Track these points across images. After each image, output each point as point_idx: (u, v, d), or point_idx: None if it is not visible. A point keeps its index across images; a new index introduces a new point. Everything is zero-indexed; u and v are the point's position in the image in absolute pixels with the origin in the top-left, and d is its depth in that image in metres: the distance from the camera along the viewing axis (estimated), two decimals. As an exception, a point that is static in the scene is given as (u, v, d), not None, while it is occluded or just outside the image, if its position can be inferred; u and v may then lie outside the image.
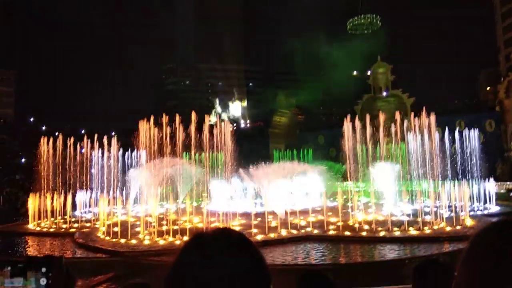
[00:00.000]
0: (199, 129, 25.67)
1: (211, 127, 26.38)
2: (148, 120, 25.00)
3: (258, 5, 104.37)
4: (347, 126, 25.57)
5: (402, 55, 77.76)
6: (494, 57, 74.14)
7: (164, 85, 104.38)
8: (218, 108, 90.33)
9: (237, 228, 15.89)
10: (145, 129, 24.97)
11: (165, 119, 24.73)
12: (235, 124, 64.46)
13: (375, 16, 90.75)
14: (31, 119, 73.92)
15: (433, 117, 24.59)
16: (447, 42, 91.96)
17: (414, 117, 26.09)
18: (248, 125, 79.84)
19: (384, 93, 48.86)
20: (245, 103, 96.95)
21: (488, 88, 63.55)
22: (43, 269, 1.49)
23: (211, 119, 32.74)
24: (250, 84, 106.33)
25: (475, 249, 1.23)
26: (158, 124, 25.07)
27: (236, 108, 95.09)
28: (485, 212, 21.99)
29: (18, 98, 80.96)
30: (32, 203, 21.60)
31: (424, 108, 25.97)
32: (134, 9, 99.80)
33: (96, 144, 26.87)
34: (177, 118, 24.23)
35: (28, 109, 76.18)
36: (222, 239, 1.22)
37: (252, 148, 44.54)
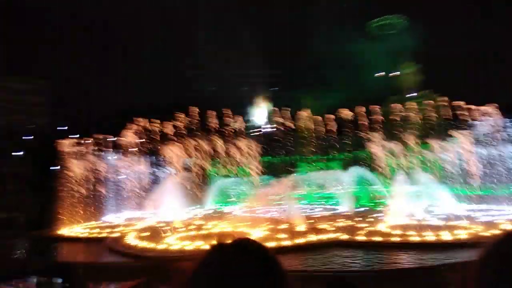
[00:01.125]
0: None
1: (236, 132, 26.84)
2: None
3: (280, 9, 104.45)
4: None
5: (432, 55, 75.76)
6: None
7: (187, 91, 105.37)
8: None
9: (264, 233, 15.81)
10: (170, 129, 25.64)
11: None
12: (260, 129, 64.35)
13: (402, 16, 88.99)
14: (64, 128, 76.20)
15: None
16: (479, 41, 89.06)
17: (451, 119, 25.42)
18: (274, 129, 79.65)
19: (414, 94, 47.81)
20: (270, 108, 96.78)
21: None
22: (59, 280, 1.49)
23: (235, 124, 33.02)
24: (276, 88, 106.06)
25: (487, 258, 1.25)
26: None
27: (262, 112, 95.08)
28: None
29: (51, 107, 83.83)
30: (64, 209, 22.23)
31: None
32: (155, 15, 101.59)
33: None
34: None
35: (61, 118, 78.53)
36: (240, 248, 1.33)
37: (279, 153, 44.41)
